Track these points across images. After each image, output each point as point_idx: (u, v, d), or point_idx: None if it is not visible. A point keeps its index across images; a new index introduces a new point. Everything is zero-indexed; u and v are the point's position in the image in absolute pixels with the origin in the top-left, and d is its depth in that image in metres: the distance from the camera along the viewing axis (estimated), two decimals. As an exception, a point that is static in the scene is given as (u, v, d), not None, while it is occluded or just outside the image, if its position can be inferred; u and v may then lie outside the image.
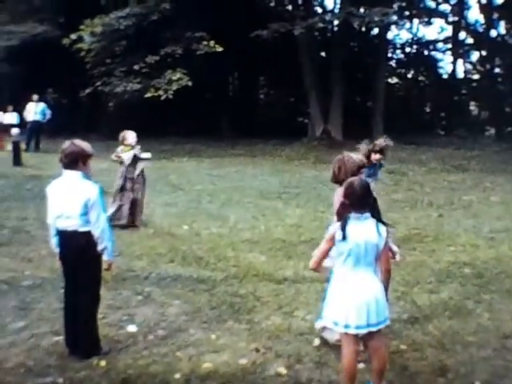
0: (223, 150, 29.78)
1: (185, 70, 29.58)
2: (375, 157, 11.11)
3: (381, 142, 11.37)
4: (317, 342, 7.23)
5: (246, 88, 45.36)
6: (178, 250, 11.57)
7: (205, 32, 29.89)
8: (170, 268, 10.50)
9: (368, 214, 5.73)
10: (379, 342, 5.96)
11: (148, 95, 29.31)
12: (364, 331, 5.79)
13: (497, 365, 6.84)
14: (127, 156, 13.56)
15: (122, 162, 13.64)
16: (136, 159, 13.72)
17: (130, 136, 13.71)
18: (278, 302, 8.77)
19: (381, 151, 11.20)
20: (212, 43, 29.50)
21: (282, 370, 6.60)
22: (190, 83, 29.30)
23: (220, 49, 29.36)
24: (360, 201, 5.75)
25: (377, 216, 5.74)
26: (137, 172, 13.74)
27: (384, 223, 5.75)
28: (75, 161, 6.62)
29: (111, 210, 13.00)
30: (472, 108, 46.63)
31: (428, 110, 46.96)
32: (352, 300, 5.71)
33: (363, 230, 5.68)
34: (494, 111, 42.75)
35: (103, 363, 6.67)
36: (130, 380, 6.33)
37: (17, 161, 23.34)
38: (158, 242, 12.24)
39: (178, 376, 6.44)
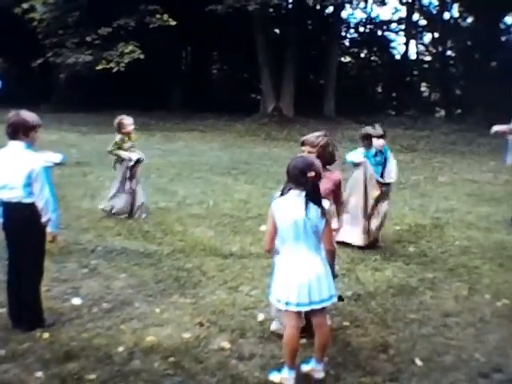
0: (174, 125, 29.68)
1: (137, 43, 29.45)
2: (378, 142, 10.76)
3: (378, 128, 11.07)
4: (261, 316, 7.27)
5: (198, 63, 45.12)
6: (125, 224, 11.54)
7: (158, 5, 29.69)
8: (116, 241, 10.47)
9: (302, 193, 5.76)
10: (322, 319, 6.01)
11: (99, 67, 29.11)
12: (306, 308, 5.83)
13: (437, 342, 6.95)
14: (129, 157, 12.13)
15: (122, 160, 12.25)
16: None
17: (128, 123, 12.20)
18: (224, 277, 8.81)
19: (382, 136, 10.85)
20: (165, 17, 29.34)
21: (226, 345, 6.64)
22: (142, 56, 29.18)
23: (173, 23, 29.21)
24: (294, 178, 5.77)
25: (312, 197, 5.75)
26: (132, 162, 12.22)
27: (321, 205, 5.76)
28: (17, 131, 6.55)
29: (114, 202, 12.13)
30: (423, 89, 46.90)
31: (380, 90, 47.14)
32: (293, 278, 5.76)
33: (298, 207, 5.71)
34: (445, 93, 43.12)
35: (46, 335, 6.65)
36: (73, 352, 6.31)
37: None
38: (105, 215, 12.17)
39: (121, 349, 6.44)
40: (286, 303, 5.79)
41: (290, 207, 5.75)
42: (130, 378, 5.94)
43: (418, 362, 6.43)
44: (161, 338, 6.75)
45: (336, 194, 6.84)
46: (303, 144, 6.82)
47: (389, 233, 11.55)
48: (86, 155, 19.62)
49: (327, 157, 6.81)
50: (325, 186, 6.40)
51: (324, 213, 5.73)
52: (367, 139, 10.89)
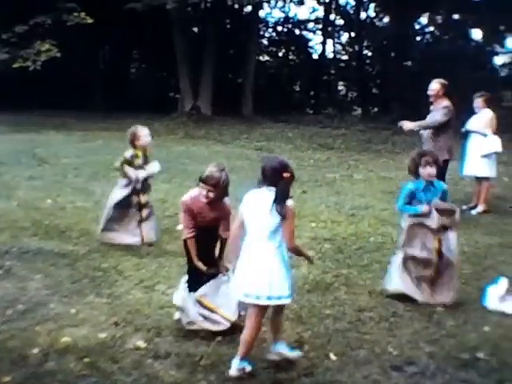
0: (93, 124, 29.38)
1: (54, 41, 29.10)
2: (428, 171, 8.15)
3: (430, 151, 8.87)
4: (177, 315, 7.27)
5: (117, 61, 44.76)
6: (42, 224, 11.40)
7: (76, 3, 29.40)
8: (32, 242, 10.35)
9: (267, 189, 5.94)
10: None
11: (16, 65, 28.65)
12: (264, 302, 6.00)
13: (351, 337, 7.08)
14: (136, 176, 10.44)
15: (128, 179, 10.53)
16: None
17: (143, 134, 10.52)
18: (140, 276, 8.81)
19: (435, 162, 8.26)
20: (83, 14, 29.07)
21: (141, 344, 6.65)
22: (59, 54, 28.85)
23: (90, 20, 28.97)
24: (269, 178, 5.98)
25: (281, 195, 5.89)
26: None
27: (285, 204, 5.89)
28: None
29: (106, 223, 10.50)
30: (340, 88, 47.45)
31: (298, 88, 47.46)
32: (252, 272, 5.98)
33: (265, 204, 5.89)
34: (361, 92, 43.73)
35: (-42, 338, 6.58)
36: (-13, 355, 6.27)
37: None
38: (21, 215, 12.02)
39: (36, 351, 6.39)
40: (246, 295, 5.99)
41: (257, 203, 5.97)
42: (45, 380, 5.90)
43: (333, 357, 6.54)
44: (76, 338, 6.71)
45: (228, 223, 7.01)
46: (204, 182, 6.81)
47: (305, 230, 11.67)
48: (1, 155, 19.28)
49: (226, 192, 6.97)
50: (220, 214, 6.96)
51: (286, 212, 5.87)
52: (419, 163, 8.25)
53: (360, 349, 6.79)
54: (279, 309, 6.31)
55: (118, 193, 10.62)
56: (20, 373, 5.98)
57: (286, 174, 5.91)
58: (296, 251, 6.34)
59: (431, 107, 13.05)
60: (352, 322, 7.51)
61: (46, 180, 15.76)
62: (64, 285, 8.40)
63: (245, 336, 6.11)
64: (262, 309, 6.08)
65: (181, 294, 7.15)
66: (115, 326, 7.07)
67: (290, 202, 5.93)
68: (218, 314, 6.99)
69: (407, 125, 13.08)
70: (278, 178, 5.90)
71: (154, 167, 10.74)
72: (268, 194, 5.92)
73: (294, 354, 6.40)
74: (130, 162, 10.41)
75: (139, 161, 10.49)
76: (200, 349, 6.58)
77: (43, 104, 33.32)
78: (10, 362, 6.18)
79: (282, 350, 6.36)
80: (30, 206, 12.82)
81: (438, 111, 12.79)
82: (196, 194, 6.97)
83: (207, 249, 7.13)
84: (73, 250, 9.98)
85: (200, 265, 7.02)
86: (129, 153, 10.47)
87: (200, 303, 6.97)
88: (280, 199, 5.86)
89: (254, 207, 6.01)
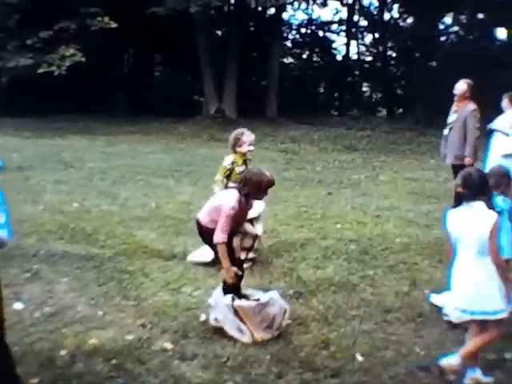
0: (117, 128, 29.49)
1: (78, 46, 29.15)
2: None
3: None
4: (203, 317, 7.31)
5: (141, 65, 44.84)
6: (68, 228, 11.44)
7: (100, 8, 29.47)
8: (59, 245, 10.41)
9: (475, 203, 5.86)
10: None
11: (41, 71, 28.75)
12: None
13: (377, 337, 7.07)
14: (255, 233, 9.54)
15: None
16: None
17: (247, 141, 9.69)
18: (166, 279, 8.84)
19: None
20: (107, 19, 29.07)
21: (168, 345, 6.68)
22: (83, 59, 28.91)
23: (114, 25, 28.96)
24: (477, 189, 5.88)
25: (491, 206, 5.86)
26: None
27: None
28: None
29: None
30: (365, 89, 47.26)
31: (322, 90, 47.34)
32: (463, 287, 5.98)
33: (478, 219, 5.82)
34: (386, 93, 43.52)
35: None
36: (15, 358, 6.25)
37: None
38: (47, 219, 12.09)
39: (63, 353, 6.43)
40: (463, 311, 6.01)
41: (468, 220, 5.86)
42: (72, 381, 5.94)
43: (359, 358, 6.54)
44: (103, 340, 6.75)
45: None
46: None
47: (330, 231, 11.66)
48: (27, 160, 19.40)
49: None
50: None
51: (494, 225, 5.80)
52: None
53: (386, 349, 6.79)
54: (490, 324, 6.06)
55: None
56: (48, 375, 6.02)
57: (491, 182, 5.97)
58: (501, 266, 5.93)
59: (454, 107, 12.90)
60: (378, 323, 7.50)
61: (72, 184, 15.84)
62: (91, 287, 8.45)
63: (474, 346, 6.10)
64: (481, 323, 6.05)
65: (217, 294, 7.22)
66: (142, 328, 7.11)
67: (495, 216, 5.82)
68: (248, 326, 6.95)
69: (470, 161, 12.73)
70: (486, 186, 5.90)
71: (259, 207, 9.55)
72: (476, 207, 5.82)
73: (489, 380, 6.19)
74: (230, 171, 9.64)
75: (240, 168, 9.56)
76: (227, 350, 6.60)
77: (67, 109, 33.44)
78: (37, 364, 6.22)
79: (478, 375, 6.18)
80: (56, 210, 12.89)
81: (470, 118, 12.55)
82: (237, 197, 7.04)
83: (231, 251, 7.18)
84: (99, 252, 10.03)
85: (234, 269, 7.06)
86: (228, 161, 9.72)
87: (235, 311, 6.98)
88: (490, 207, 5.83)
89: (465, 224, 5.86)
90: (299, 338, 6.96)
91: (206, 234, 7.45)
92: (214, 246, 7.24)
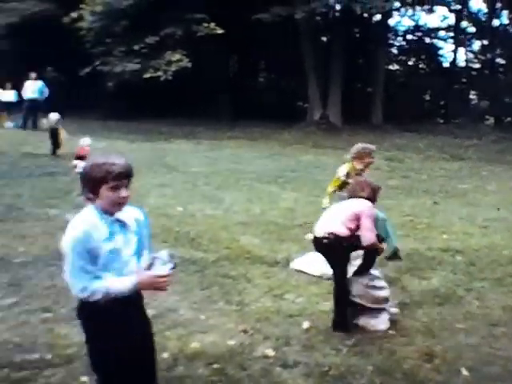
0: (221, 133, 29.75)
1: (185, 52, 29.56)
2: None
3: None
4: (306, 324, 7.26)
5: (245, 71, 45.21)
6: (172, 231, 11.56)
7: (205, 14, 29.82)
8: (162, 249, 10.46)
9: None
10: None
11: (147, 76, 29.27)
12: None
13: (483, 352, 6.88)
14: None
15: None
16: None
17: (371, 158, 9.80)
18: (269, 285, 8.81)
19: None
20: (212, 25, 29.41)
21: (270, 352, 6.63)
22: (189, 65, 29.29)
23: (220, 31, 29.27)
24: None
25: None
26: None
27: None
28: None
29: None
30: (472, 97, 46.44)
31: (428, 97, 46.76)
32: None
33: None
34: (494, 101, 42.64)
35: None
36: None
37: (54, 149, 20.00)
38: (151, 222, 12.12)
39: (165, 355, 6.44)
40: None
41: None
42: (174, 384, 5.96)
43: (464, 372, 6.37)
44: (205, 344, 6.76)
45: None
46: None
47: (436, 241, 11.45)
48: (132, 163, 19.60)
49: None
50: None
51: None
52: None
53: (493, 365, 6.59)
54: None
55: None
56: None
57: None
58: None
59: None
60: (484, 337, 7.29)
61: (176, 188, 16.01)
62: (194, 291, 8.48)
63: None
64: None
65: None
66: (244, 334, 7.09)
67: None
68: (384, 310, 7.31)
69: None
70: None
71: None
72: None
73: None
74: (345, 184, 9.45)
75: (352, 180, 9.03)
76: (329, 359, 6.52)
77: (172, 113, 33.94)
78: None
79: None
80: (160, 213, 13.02)
81: None
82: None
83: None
84: (202, 257, 10.07)
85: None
86: (342, 171, 9.69)
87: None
88: None
89: None
90: (403, 350, 6.83)
91: (337, 249, 7.29)
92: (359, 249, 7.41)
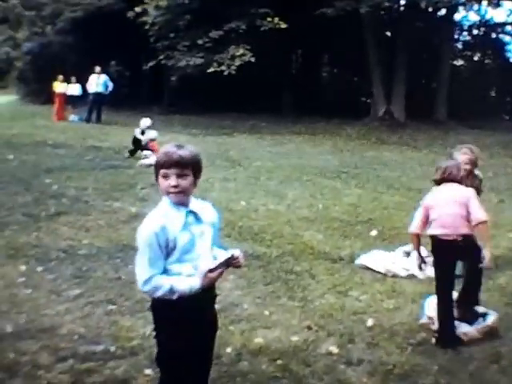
0: (284, 128, 29.74)
1: (248, 46, 29.57)
2: None
3: None
4: (370, 322, 7.19)
5: (308, 66, 45.12)
6: (235, 226, 11.54)
7: (269, 8, 29.77)
8: (225, 243, 10.43)
9: None
10: None
11: (211, 70, 29.37)
12: None
13: (554, 354, 6.74)
14: None
15: None
16: None
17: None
18: (333, 281, 8.75)
19: None
20: (276, 20, 29.33)
21: (334, 349, 6.57)
22: (253, 59, 29.31)
23: (284, 26, 29.18)
24: None
25: None
26: None
27: None
28: None
29: None
30: (539, 93, 45.79)
31: (493, 94, 46.17)
32: None
33: None
34: (561, 97, 42.04)
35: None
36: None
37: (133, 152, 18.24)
38: (215, 216, 12.21)
39: (229, 350, 6.44)
40: None
41: None
42: (237, 379, 5.94)
43: (533, 374, 6.24)
44: (269, 340, 6.73)
45: None
46: None
47: (503, 240, 11.26)
48: (196, 156, 19.76)
49: None
50: None
51: None
52: None
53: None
54: None
55: None
56: (214, 371, 6.02)
57: None
58: None
59: None
60: (555, 340, 7.12)
61: (239, 182, 16.02)
62: (257, 286, 8.46)
63: None
64: None
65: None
66: (307, 330, 7.04)
67: None
68: None
69: None
70: None
71: None
72: None
73: None
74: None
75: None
76: (393, 357, 6.44)
77: (235, 107, 34.03)
78: (204, 360, 6.27)
79: None
80: (223, 207, 12.97)
81: None
82: None
83: None
84: (266, 252, 10.04)
85: None
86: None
87: None
88: None
89: None
90: (469, 350, 6.71)
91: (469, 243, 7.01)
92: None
